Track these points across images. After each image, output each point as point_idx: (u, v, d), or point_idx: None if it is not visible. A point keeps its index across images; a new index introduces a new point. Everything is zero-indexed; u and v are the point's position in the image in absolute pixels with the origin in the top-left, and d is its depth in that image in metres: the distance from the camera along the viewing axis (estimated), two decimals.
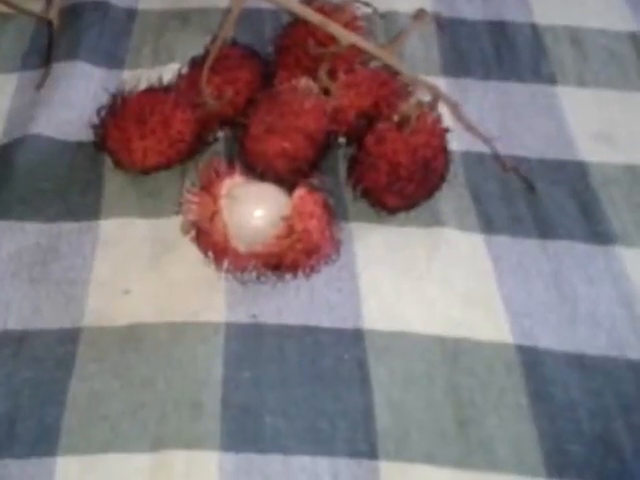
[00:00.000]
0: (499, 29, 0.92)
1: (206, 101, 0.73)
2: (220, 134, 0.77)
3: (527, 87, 0.86)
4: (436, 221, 0.72)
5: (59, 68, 0.84)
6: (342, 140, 0.76)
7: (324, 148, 0.72)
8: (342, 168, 0.75)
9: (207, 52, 0.73)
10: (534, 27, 0.92)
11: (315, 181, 0.65)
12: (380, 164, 0.68)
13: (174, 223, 0.67)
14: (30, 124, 0.77)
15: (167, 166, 0.73)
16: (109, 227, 0.70)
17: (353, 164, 0.71)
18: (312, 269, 0.65)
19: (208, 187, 0.64)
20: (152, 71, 0.82)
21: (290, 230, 0.62)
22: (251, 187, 0.66)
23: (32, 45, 0.87)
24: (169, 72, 0.77)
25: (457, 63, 0.88)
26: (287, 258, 0.63)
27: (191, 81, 0.74)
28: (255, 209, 0.64)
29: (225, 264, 0.64)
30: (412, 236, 0.71)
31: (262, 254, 0.63)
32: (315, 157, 0.71)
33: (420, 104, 0.67)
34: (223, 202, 0.63)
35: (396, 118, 0.67)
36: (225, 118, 0.75)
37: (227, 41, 0.74)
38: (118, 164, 0.73)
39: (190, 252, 0.66)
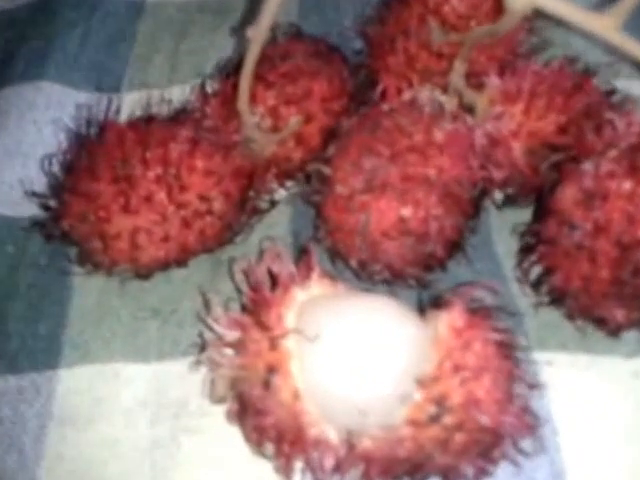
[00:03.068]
0: None
1: (251, 137, 0.47)
2: (280, 195, 0.52)
3: None
4: None
5: (11, 94, 0.61)
6: (499, 197, 0.51)
7: (473, 212, 0.47)
8: (502, 245, 0.50)
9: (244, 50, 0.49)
10: None
11: (477, 290, 0.40)
12: (596, 247, 0.42)
13: (195, 375, 0.43)
14: None
15: (180, 262, 0.46)
16: (74, 383, 0.46)
17: (533, 244, 0.47)
18: (483, 473, 0.39)
19: (260, 312, 0.39)
20: (165, 93, 0.61)
21: (438, 405, 0.37)
22: (345, 306, 0.39)
23: None
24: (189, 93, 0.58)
25: None
26: (433, 464, 0.38)
27: (223, 103, 0.48)
28: (358, 359, 0.37)
29: (299, 465, 0.39)
30: None
31: (378, 456, 0.38)
32: (459, 231, 0.46)
33: None
34: (291, 345, 0.38)
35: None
36: (288, 166, 0.50)
37: (279, 29, 0.51)
38: (88, 261, 0.46)
39: (229, 437, 0.41)
